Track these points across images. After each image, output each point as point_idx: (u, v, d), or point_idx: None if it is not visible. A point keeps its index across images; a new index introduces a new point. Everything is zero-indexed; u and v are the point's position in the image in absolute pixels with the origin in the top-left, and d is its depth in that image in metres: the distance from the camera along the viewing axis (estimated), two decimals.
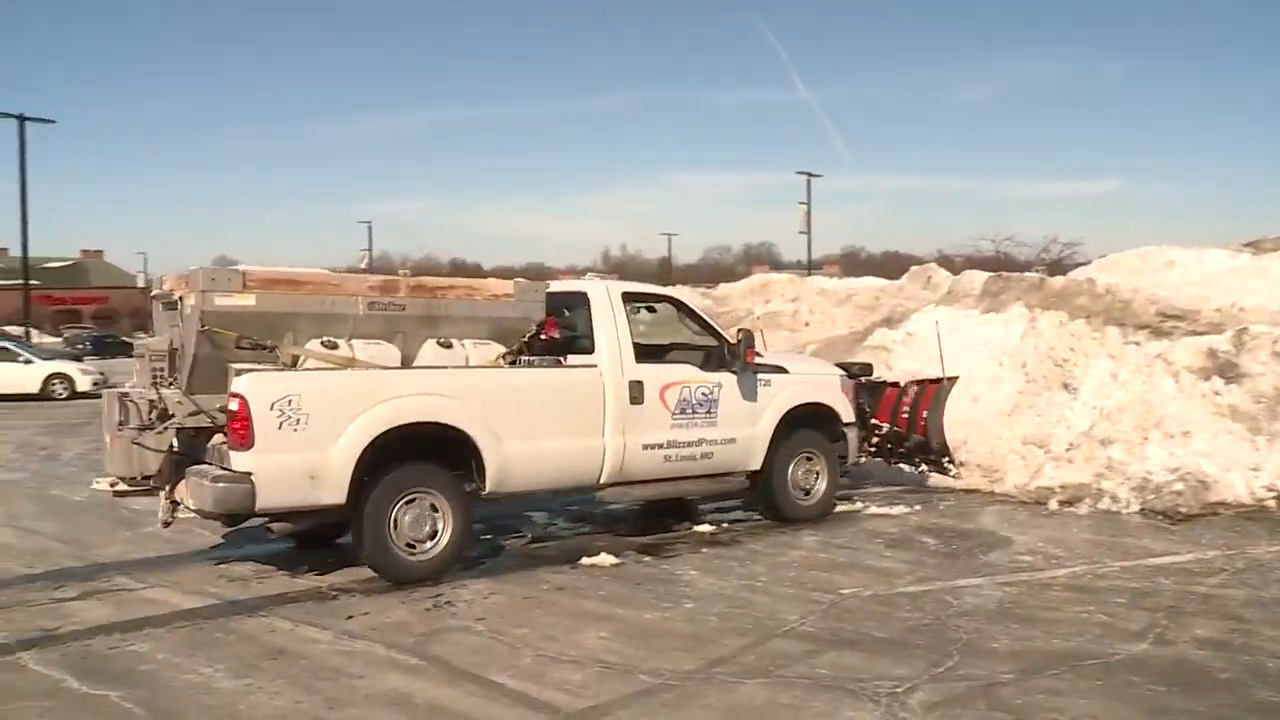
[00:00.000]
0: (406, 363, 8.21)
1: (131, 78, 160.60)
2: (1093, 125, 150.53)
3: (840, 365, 11.41)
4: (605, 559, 8.49)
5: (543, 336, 8.77)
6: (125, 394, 8.21)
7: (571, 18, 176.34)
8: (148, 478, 8.11)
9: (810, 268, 55.77)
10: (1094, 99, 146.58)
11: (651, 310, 10.05)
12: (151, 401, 7.92)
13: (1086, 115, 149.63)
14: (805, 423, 10.12)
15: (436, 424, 7.92)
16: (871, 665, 5.95)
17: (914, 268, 22.73)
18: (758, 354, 9.88)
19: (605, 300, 9.12)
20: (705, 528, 9.84)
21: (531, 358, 8.74)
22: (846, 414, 10.49)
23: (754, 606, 7.22)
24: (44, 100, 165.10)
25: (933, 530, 9.66)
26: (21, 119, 38.79)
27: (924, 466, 11.82)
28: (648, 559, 8.68)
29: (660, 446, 9.11)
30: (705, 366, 9.52)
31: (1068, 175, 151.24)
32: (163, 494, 8.14)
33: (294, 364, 7.78)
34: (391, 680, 5.82)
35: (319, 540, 9.00)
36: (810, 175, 57.80)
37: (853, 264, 77.26)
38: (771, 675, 5.82)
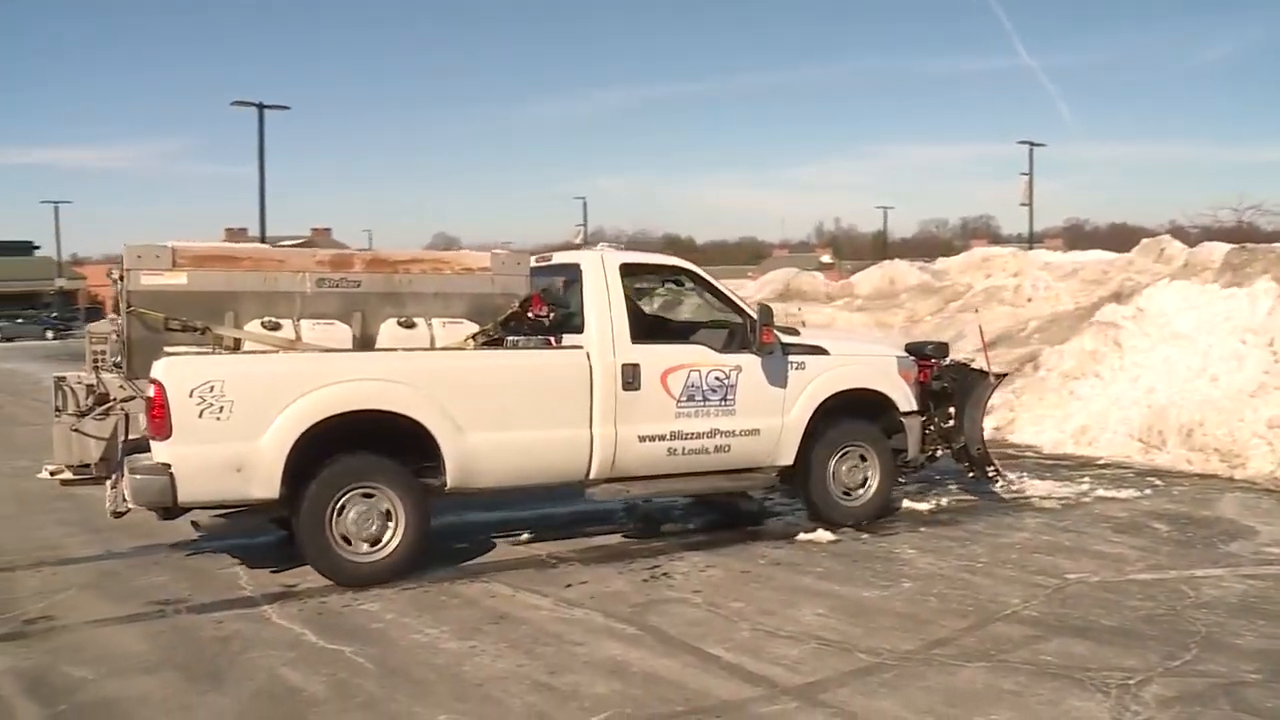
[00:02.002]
0: (367, 344, 7.58)
1: (359, 64, 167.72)
2: None
3: (911, 345, 10.21)
4: (823, 535, 8.44)
5: (529, 314, 8.04)
6: (62, 378, 7.96)
7: None
8: (88, 465, 7.81)
9: (1032, 241, 53.76)
10: None
11: (679, 284, 9.22)
12: (90, 386, 7.72)
13: None
14: (853, 412, 9.01)
15: (384, 412, 7.22)
16: (1100, 654, 5.71)
17: (1145, 240, 21.57)
18: (793, 331, 9.02)
19: (599, 272, 8.14)
20: (923, 506, 9.63)
21: (517, 338, 8.03)
22: (905, 401, 9.20)
23: (974, 588, 7.04)
24: (280, 87, 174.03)
25: (1165, 516, 9.18)
26: (260, 106, 40.91)
27: (971, 472, 10.20)
28: (865, 536, 8.55)
29: (662, 438, 8.10)
30: (724, 348, 8.46)
31: None
32: (109, 483, 7.67)
33: (237, 347, 7.28)
34: (610, 648, 5.92)
35: None
36: (1032, 145, 55.50)
37: (1077, 237, 74.14)
38: (993, 659, 5.66)
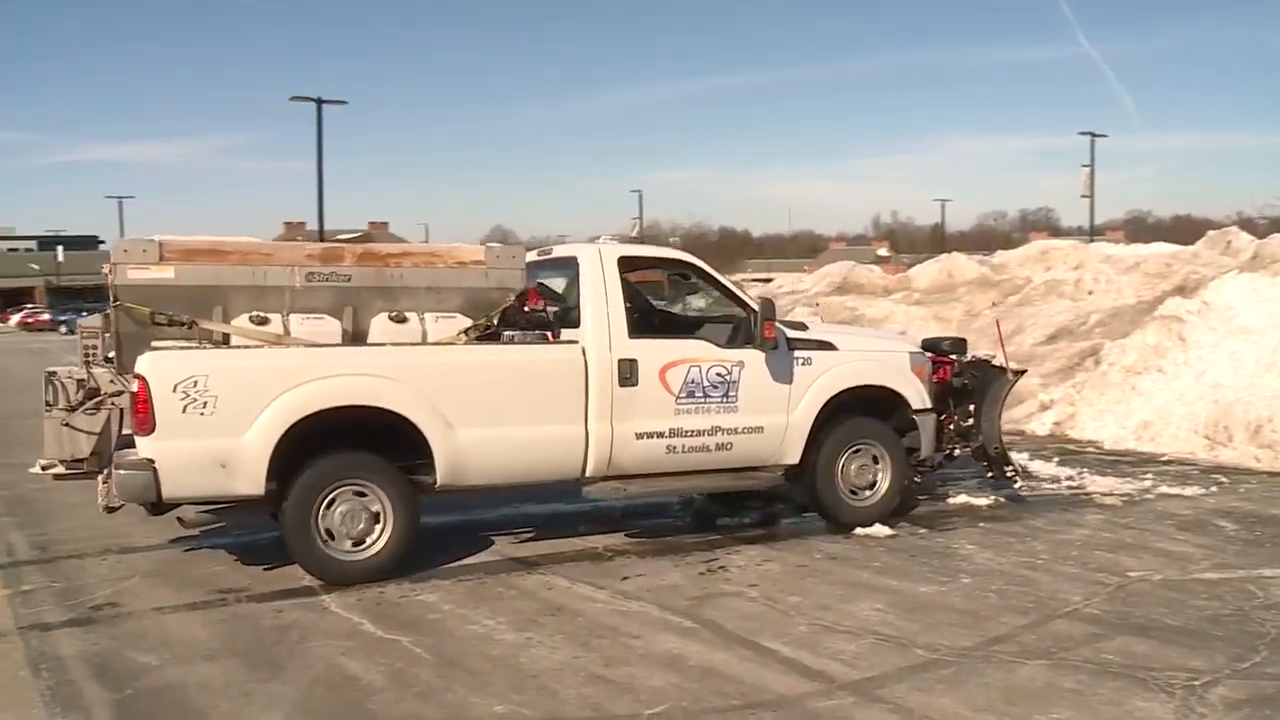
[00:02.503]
0: (359, 339, 7.49)
1: (415, 59, 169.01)
2: None
3: (927, 341, 9.93)
4: (880, 530, 8.38)
5: (525, 308, 7.90)
6: (53, 373, 7.90)
7: None
8: (80, 460, 7.75)
9: (1093, 234, 53.05)
10: None
11: (685, 278, 8.99)
12: (80, 381, 7.66)
13: None
14: (863, 409, 8.73)
15: (371, 408, 7.10)
16: (1163, 654, 5.62)
17: (1211, 232, 21.18)
18: (801, 326, 8.81)
19: (595, 266, 7.92)
20: (982, 501, 9.52)
21: (514, 333, 7.83)
22: (917, 399, 8.86)
23: (1034, 585, 6.95)
24: (336, 83, 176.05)
25: (1232, 514, 9.01)
26: (319, 101, 41.34)
27: (990, 472, 9.83)
28: (923, 531, 8.49)
29: (660, 435, 7.89)
30: (728, 343, 8.16)
31: None
32: (100, 478, 7.65)
33: (226, 341, 7.26)
34: (666, 641, 5.92)
35: None
36: (1093, 135, 54.70)
37: (1139, 229, 72.96)
38: (1054, 657, 5.59)
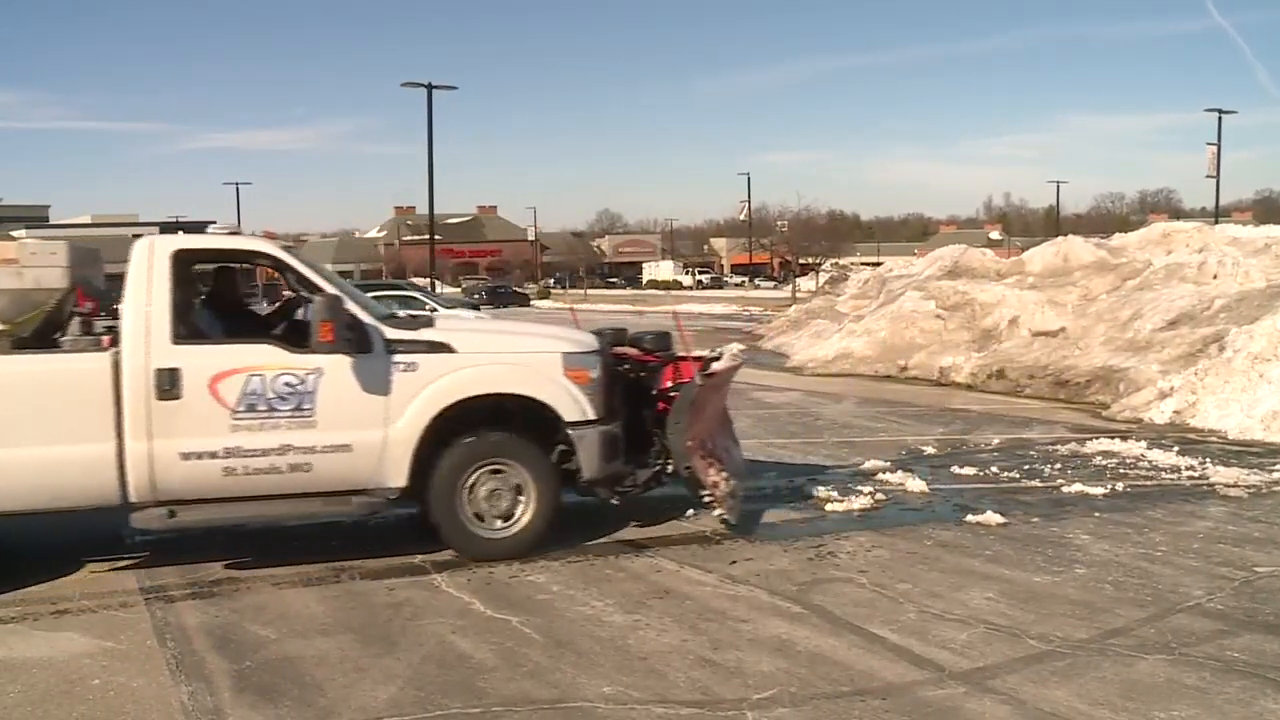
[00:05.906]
0: None
1: (525, 43, 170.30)
2: None
3: (632, 336, 8.76)
4: (992, 518, 8.23)
5: (73, 310, 7.21)
6: None
7: None
8: None
9: (1218, 215, 51.39)
10: None
11: (276, 271, 7.94)
12: None
13: None
14: (505, 422, 7.51)
15: None
16: None
17: None
18: (423, 323, 7.77)
19: (142, 261, 7.00)
20: (1097, 490, 9.27)
21: (67, 338, 7.11)
22: (573, 409, 7.46)
23: (1153, 577, 6.77)
24: (446, 67, 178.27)
25: None
26: (429, 87, 41.78)
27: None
28: (1036, 520, 8.29)
29: (214, 455, 6.86)
30: (302, 347, 7.03)
31: None
32: None
33: None
34: (774, 626, 5.91)
35: None
36: (1221, 112, 52.88)
37: (1270, 210, 70.64)
38: (1175, 653, 5.44)
